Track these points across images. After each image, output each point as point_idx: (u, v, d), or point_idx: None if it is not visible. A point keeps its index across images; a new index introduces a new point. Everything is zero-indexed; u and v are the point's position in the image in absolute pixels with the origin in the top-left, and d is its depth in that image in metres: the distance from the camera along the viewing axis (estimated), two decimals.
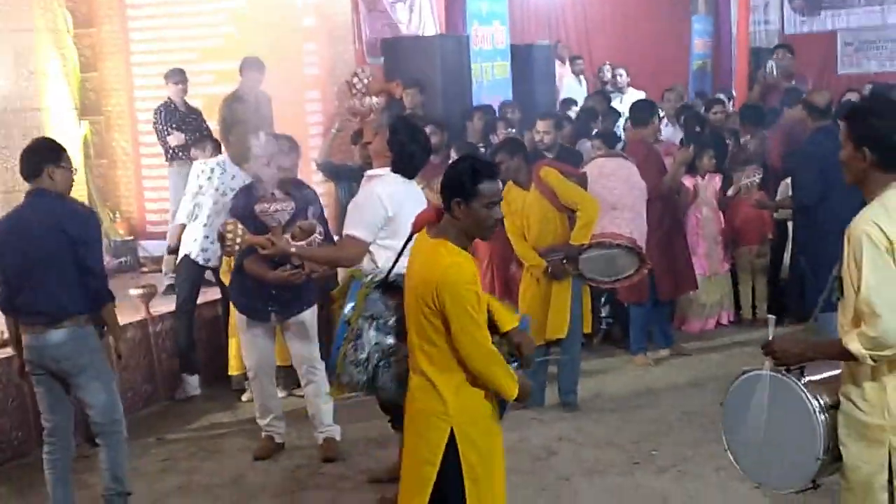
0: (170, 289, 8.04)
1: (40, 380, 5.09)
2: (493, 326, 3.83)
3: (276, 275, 5.73)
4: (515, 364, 3.85)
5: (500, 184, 3.85)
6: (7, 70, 9.16)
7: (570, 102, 11.75)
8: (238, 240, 5.19)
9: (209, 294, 7.93)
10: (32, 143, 5.18)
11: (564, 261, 6.66)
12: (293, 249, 5.17)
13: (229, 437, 6.76)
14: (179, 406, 7.45)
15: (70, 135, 9.18)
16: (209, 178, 7.33)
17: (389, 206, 4.87)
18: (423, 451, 3.75)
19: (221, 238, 5.32)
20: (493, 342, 3.72)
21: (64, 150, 5.12)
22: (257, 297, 5.97)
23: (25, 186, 5.09)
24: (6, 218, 5.16)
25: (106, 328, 5.18)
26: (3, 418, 6.30)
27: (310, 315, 6.13)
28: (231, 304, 6.66)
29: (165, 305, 7.74)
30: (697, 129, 9.64)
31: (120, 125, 10.67)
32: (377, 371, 4.24)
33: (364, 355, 4.23)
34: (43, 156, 5.01)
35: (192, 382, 7.60)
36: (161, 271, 8.72)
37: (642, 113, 8.03)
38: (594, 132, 9.36)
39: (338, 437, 6.27)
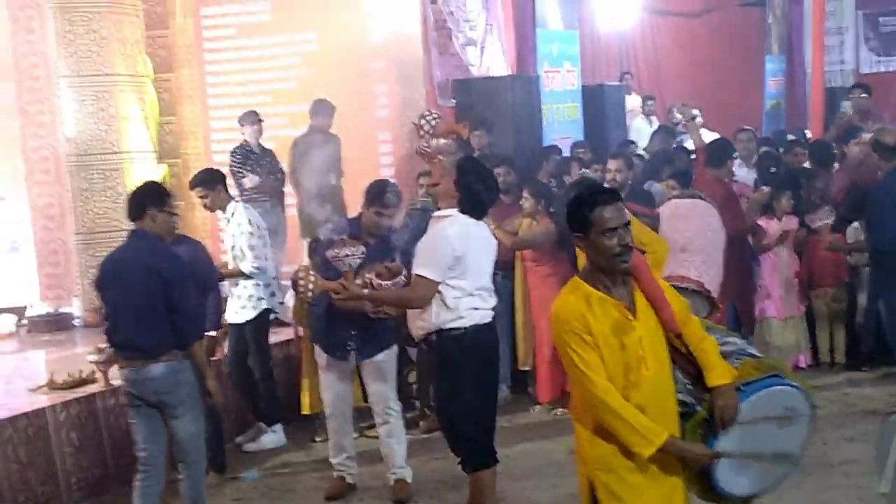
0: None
1: (139, 411, 5.31)
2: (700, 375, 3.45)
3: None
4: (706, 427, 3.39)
5: (620, 207, 3.49)
6: (88, 115, 9.43)
7: (628, 143, 11.67)
8: (311, 286, 5.26)
9: (282, 334, 8.02)
10: (140, 186, 5.55)
11: None
12: (365, 292, 5.22)
13: (301, 477, 6.79)
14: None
15: (149, 178, 9.39)
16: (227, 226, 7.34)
17: (458, 246, 4.88)
18: (579, 495, 3.60)
19: (294, 284, 5.42)
20: (696, 397, 3.40)
21: (168, 195, 5.44)
22: (337, 336, 6.05)
23: (105, 228, 5.30)
24: (109, 256, 5.48)
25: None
26: (81, 455, 6.41)
27: (388, 356, 6.18)
28: (307, 343, 6.76)
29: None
30: (773, 169, 9.52)
31: (197, 168, 10.86)
32: None
33: None
34: (147, 199, 5.32)
35: (271, 437, 7.47)
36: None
37: (719, 153, 7.97)
38: (667, 173, 9.31)
39: (409, 479, 6.25)
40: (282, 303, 8.09)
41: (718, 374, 3.44)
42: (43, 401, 6.46)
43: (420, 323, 5.04)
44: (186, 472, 5.43)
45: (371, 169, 9.73)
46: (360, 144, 9.70)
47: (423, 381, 7.58)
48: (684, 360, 3.50)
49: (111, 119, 9.49)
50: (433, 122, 9.38)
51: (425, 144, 9.21)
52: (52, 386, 6.73)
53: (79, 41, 9.39)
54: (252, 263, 7.08)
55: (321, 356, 6.24)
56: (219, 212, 7.28)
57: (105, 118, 9.47)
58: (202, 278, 6.09)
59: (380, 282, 5.30)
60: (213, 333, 6.53)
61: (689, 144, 11.48)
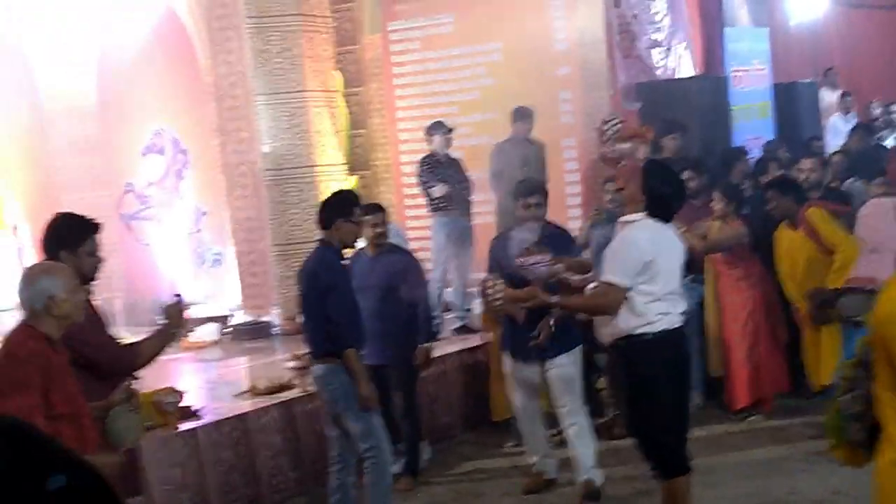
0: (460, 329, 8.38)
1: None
2: None
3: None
4: None
5: None
6: (283, 130, 9.81)
7: (813, 140, 11.16)
8: (499, 296, 5.30)
9: (470, 340, 8.11)
10: (330, 196, 5.79)
11: (821, 305, 6.39)
12: (554, 301, 5.25)
13: (491, 482, 6.83)
14: (440, 453, 7.59)
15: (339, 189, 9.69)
16: None
17: (647, 251, 4.82)
18: None
19: (483, 292, 5.48)
20: None
21: (356, 205, 5.62)
22: (521, 339, 6.12)
23: (300, 239, 5.53)
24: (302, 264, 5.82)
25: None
26: (281, 458, 6.66)
27: (572, 358, 6.22)
28: (496, 350, 6.83)
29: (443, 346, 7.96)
30: None
31: (386, 179, 11.14)
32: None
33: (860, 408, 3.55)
34: (335, 209, 5.56)
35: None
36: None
37: None
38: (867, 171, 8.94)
39: (598, 481, 6.25)
40: (468, 310, 8.19)
41: None
42: (246, 406, 6.77)
43: (608, 329, 5.01)
44: (365, 470, 5.60)
45: (557, 176, 9.73)
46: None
47: (613, 387, 7.52)
48: None
49: (304, 134, 9.85)
50: (616, 127, 9.30)
51: (609, 149, 9.15)
52: (254, 392, 7.03)
53: (273, 60, 9.79)
54: None
55: (507, 361, 6.34)
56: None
57: (299, 133, 9.84)
58: (411, 289, 6.25)
59: (571, 276, 5.28)
60: (426, 345, 6.71)
61: (889, 142, 10.99)
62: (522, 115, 9.31)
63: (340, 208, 5.54)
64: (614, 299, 4.86)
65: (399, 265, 6.46)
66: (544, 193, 6.39)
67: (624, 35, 10.79)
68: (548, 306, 5.38)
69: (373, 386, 5.57)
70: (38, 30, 12.34)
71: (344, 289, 5.52)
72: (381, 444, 5.57)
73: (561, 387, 6.21)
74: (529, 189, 6.37)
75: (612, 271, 4.88)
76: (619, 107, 10.35)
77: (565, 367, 6.18)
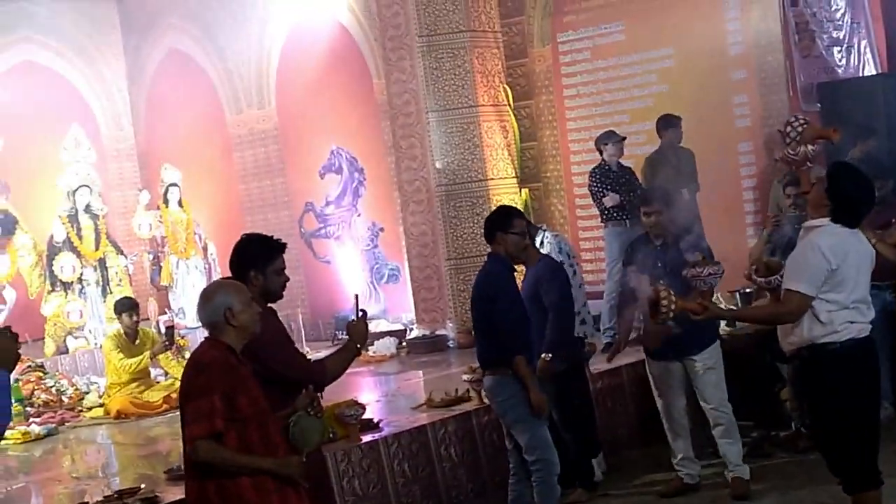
0: (607, 346, 8.21)
1: None
2: None
3: None
4: None
5: None
6: (455, 145, 9.96)
7: None
8: (672, 306, 5.20)
9: (633, 355, 7.96)
10: (492, 212, 5.90)
11: None
12: (728, 313, 5.19)
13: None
14: (615, 466, 7.48)
15: (511, 202, 9.73)
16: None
17: (832, 258, 4.64)
18: None
19: (655, 304, 5.39)
20: None
21: (513, 217, 5.69)
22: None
23: (473, 253, 5.62)
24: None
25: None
26: (459, 469, 6.72)
27: (712, 353, 6.32)
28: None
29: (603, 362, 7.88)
30: None
31: (557, 190, 11.13)
32: None
33: None
34: (495, 223, 5.67)
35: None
36: (599, 330, 8.88)
37: None
38: None
39: (746, 476, 6.32)
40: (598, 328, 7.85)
41: None
42: (423, 418, 6.87)
43: (791, 338, 4.84)
44: (534, 485, 5.61)
45: (732, 181, 9.52)
46: (719, 157, 9.51)
47: (797, 398, 7.27)
48: None
49: (476, 148, 9.97)
50: (800, 129, 8.98)
51: (791, 152, 8.84)
52: (431, 404, 7.13)
53: (445, 77, 9.95)
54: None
55: (649, 364, 6.49)
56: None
57: (470, 148, 9.97)
58: (544, 295, 6.22)
59: (759, 279, 5.14)
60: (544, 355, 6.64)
61: None
62: (671, 124, 9.13)
63: (499, 221, 5.65)
64: (797, 308, 4.70)
65: (538, 273, 6.44)
66: (666, 202, 6.44)
67: (802, 34, 10.44)
68: (721, 318, 5.30)
69: (544, 394, 5.59)
70: (221, 59, 12.92)
71: (509, 298, 5.55)
72: (548, 456, 5.57)
73: (704, 383, 6.31)
74: (647, 199, 6.51)
75: (796, 279, 4.71)
76: (797, 109, 10.00)
77: (706, 362, 6.28)
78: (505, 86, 10.39)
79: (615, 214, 9.16)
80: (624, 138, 9.25)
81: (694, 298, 5.00)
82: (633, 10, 10.32)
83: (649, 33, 10.20)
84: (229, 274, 4.56)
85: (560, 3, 10.81)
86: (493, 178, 10.04)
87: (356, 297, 4.85)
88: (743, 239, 9.42)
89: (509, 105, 10.42)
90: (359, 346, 4.70)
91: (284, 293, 4.61)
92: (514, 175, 10.27)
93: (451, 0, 10.02)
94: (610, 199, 9.21)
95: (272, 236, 4.62)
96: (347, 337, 4.71)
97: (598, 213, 9.48)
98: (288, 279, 4.58)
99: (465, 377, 7.08)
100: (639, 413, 7.76)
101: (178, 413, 4.05)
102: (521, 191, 10.38)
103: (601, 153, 9.27)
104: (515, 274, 5.73)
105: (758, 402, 7.44)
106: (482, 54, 10.09)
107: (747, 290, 7.96)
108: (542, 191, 11.10)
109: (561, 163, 11.03)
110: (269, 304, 4.53)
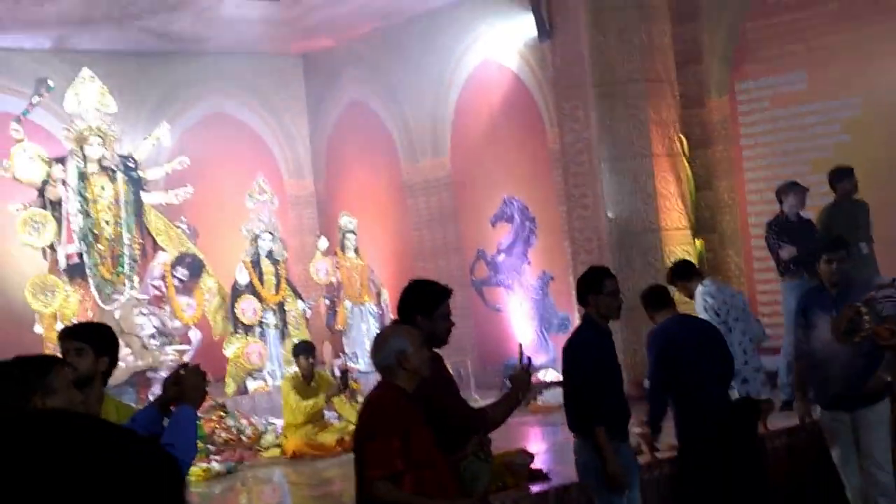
0: (785, 404, 7.96)
1: None
2: None
3: None
4: None
5: None
6: (627, 195, 9.88)
7: None
8: (866, 325, 5.08)
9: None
10: (584, 273, 5.80)
11: None
12: None
13: None
14: None
15: (684, 253, 9.58)
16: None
17: None
18: None
19: (851, 321, 5.26)
20: None
21: (605, 278, 5.59)
22: (829, 386, 6.20)
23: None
24: None
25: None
26: None
27: (880, 409, 6.20)
28: None
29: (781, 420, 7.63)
30: None
31: (733, 241, 10.88)
32: None
33: None
34: (587, 284, 5.58)
35: None
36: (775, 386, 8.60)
37: None
38: None
39: None
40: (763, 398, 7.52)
41: None
42: None
43: None
44: None
45: None
46: None
47: None
48: None
49: (648, 198, 9.86)
50: None
51: None
52: None
53: (618, 126, 9.91)
54: None
55: (821, 413, 6.41)
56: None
57: (643, 197, 9.87)
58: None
59: None
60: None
61: None
62: (845, 175, 8.82)
63: (591, 282, 5.56)
64: None
65: (659, 329, 6.37)
66: (848, 251, 6.46)
67: None
68: None
69: (621, 466, 5.40)
70: (399, 110, 13.27)
71: (592, 366, 5.40)
72: None
73: (864, 438, 6.17)
74: (833, 245, 6.46)
75: None
76: None
77: (870, 416, 6.14)
78: (680, 135, 10.27)
79: (792, 267, 8.90)
80: (807, 189, 9.00)
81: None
82: (817, 59, 10.05)
83: (834, 81, 9.91)
84: (399, 319, 4.65)
85: (739, 51, 10.65)
86: (666, 228, 9.90)
87: (521, 346, 4.86)
88: None
89: (684, 154, 10.29)
90: (520, 396, 4.70)
91: (452, 339, 4.65)
92: (687, 225, 10.10)
93: (627, 50, 9.99)
94: (787, 252, 8.95)
95: (438, 282, 4.68)
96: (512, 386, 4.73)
97: (774, 265, 9.24)
98: (453, 324, 4.60)
99: (635, 430, 6.95)
100: (817, 477, 7.44)
101: (352, 455, 4.14)
102: (695, 241, 10.21)
103: (781, 203, 9.04)
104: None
105: None
106: (657, 103, 10.01)
107: None
108: (717, 241, 10.88)
109: (738, 213, 10.80)
110: (434, 350, 4.57)
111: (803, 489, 7.36)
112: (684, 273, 7.40)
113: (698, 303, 7.16)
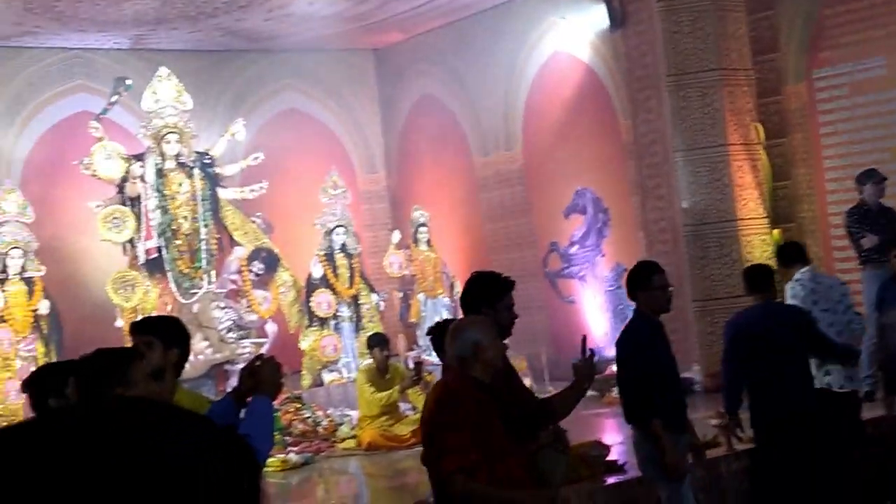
0: (867, 395, 7.82)
1: None
2: None
3: None
4: None
5: None
6: (702, 185, 9.76)
7: None
8: None
9: None
10: (632, 269, 5.76)
11: None
12: None
13: None
14: None
15: (761, 243, 9.43)
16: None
17: None
18: None
19: None
20: None
21: (653, 274, 5.51)
22: None
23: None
24: None
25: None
26: None
27: None
28: None
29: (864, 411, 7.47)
30: None
31: (812, 231, 10.70)
32: None
33: None
34: (635, 281, 5.54)
35: None
36: None
37: None
38: None
39: None
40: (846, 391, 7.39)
41: None
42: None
43: None
44: None
45: None
46: None
47: None
48: None
49: (725, 188, 9.72)
50: None
51: None
52: None
53: (693, 115, 9.79)
54: None
55: None
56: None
57: (719, 187, 9.73)
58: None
59: None
60: None
61: None
62: (868, 177, 8.76)
63: (637, 279, 5.52)
64: None
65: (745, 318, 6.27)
66: None
67: None
68: None
69: (680, 455, 5.33)
70: (470, 103, 13.27)
71: (644, 359, 5.34)
72: None
73: None
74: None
75: None
76: None
77: None
78: (756, 124, 10.12)
79: (874, 256, 8.72)
80: (885, 178, 8.81)
81: None
82: None
83: None
84: (465, 311, 4.64)
85: (816, 38, 10.46)
86: (742, 219, 9.76)
87: (584, 337, 4.84)
88: None
89: (761, 143, 10.14)
90: (585, 386, 4.68)
91: (526, 331, 4.64)
92: (764, 215, 9.95)
93: (702, 39, 9.86)
94: (868, 241, 8.78)
95: (501, 274, 4.66)
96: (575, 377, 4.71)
97: (855, 254, 9.07)
98: (517, 316, 4.58)
99: (713, 422, 6.89)
100: None
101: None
102: (772, 231, 10.05)
103: (860, 192, 8.87)
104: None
105: None
106: (733, 92, 9.87)
107: None
108: (796, 231, 10.70)
109: (816, 202, 10.61)
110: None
111: (886, 480, 7.23)
112: (789, 257, 7.25)
113: (787, 289, 7.03)
